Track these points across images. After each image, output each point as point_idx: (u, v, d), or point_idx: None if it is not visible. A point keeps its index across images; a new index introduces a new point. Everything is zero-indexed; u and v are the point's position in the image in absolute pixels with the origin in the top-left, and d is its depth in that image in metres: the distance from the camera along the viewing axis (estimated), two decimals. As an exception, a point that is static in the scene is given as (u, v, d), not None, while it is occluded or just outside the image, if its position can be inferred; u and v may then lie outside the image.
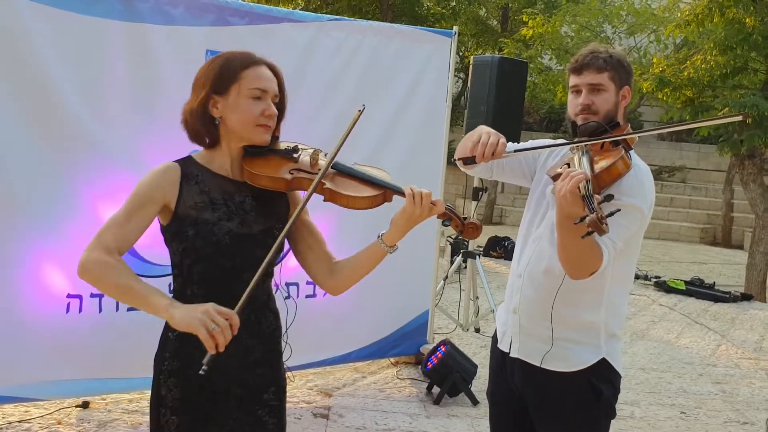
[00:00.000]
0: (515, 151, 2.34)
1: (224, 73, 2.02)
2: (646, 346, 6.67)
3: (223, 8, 4.10)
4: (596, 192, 2.01)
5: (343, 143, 2.04)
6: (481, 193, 6.56)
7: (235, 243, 2.00)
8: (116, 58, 3.76)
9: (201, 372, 1.82)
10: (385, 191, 2.08)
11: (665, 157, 18.41)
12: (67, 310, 3.76)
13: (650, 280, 9.57)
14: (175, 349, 2.04)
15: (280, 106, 2.11)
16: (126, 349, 3.79)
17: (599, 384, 2.30)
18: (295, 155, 2.11)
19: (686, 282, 9.21)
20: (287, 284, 4.59)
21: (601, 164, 2.11)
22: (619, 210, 1.95)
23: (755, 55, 9.83)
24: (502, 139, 2.26)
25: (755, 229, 10.12)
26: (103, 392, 4.09)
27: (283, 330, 2.28)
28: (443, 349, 5.00)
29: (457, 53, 13.05)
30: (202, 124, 2.04)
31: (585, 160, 2.12)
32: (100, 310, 3.86)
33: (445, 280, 6.77)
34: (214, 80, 2.02)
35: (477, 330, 6.69)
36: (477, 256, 6.72)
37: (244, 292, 1.90)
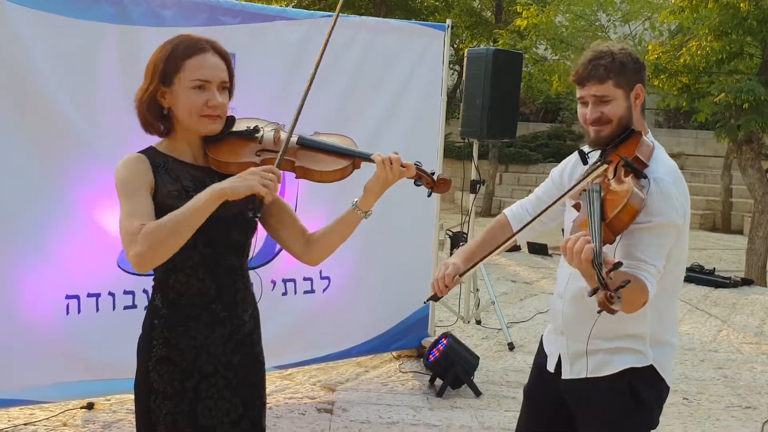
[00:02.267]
0: (464, 273, 2.31)
1: (169, 64, 2.03)
2: (647, 334, 6.68)
3: (215, 8, 4.11)
4: (613, 238, 1.99)
5: (298, 117, 2.06)
6: (478, 185, 6.57)
7: (211, 227, 2.01)
8: (110, 61, 3.78)
9: (257, 216, 1.97)
10: (354, 159, 2.12)
11: (663, 144, 17.63)
12: (67, 312, 3.78)
13: (650, 267, 9.56)
14: (164, 337, 2.08)
15: (230, 89, 2.12)
16: (127, 348, 3.78)
17: (641, 389, 2.26)
18: (257, 135, 2.12)
19: (686, 269, 9.21)
20: (284, 280, 4.61)
21: (614, 209, 1.99)
22: (629, 281, 1.83)
23: (750, 40, 9.82)
24: (450, 267, 2.30)
25: (754, 214, 10.13)
26: (108, 393, 4.12)
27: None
28: (444, 341, 5.02)
29: (452, 45, 13.06)
30: (152, 115, 2.06)
31: (596, 203, 2.02)
32: (97, 310, 3.87)
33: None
34: (159, 71, 2.03)
35: (478, 322, 6.71)
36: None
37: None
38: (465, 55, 6.30)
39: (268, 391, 4.59)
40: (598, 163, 2.21)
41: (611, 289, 1.79)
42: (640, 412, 2.28)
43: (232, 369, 2.14)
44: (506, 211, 2.58)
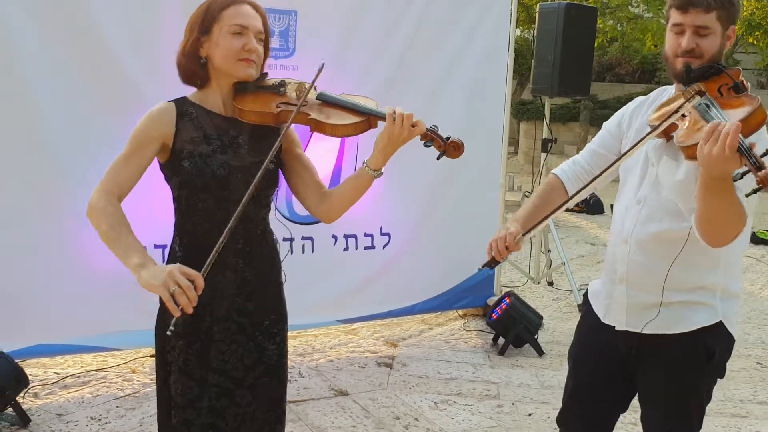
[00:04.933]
0: (525, 234, 2.18)
1: (207, 15, 2.12)
2: (726, 298, 6.46)
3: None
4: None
5: (319, 74, 2.10)
6: (550, 144, 6.45)
7: (228, 174, 2.10)
8: (173, 13, 3.86)
9: (168, 333, 1.91)
10: (369, 117, 2.14)
11: (766, 105, 17.49)
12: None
13: (738, 231, 9.18)
14: None
15: (265, 44, 2.18)
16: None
17: (713, 345, 2.19)
18: (282, 89, 2.18)
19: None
20: (345, 236, 4.67)
21: (738, 114, 1.87)
22: None
23: None
24: (511, 230, 2.17)
25: None
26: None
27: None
28: (507, 300, 5.01)
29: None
30: (192, 65, 2.14)
31: (715, 111, 1.91)
32: (164, 260, 4.00)
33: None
34: (199, 22, 2.12)
35: (550, 283, 6.63)
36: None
37: (223, 232, 1.97)
38: (537, 9, 6.15)
39: (331, 344, 4.79)
40: (698, 85, 2.05)
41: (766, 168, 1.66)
42: (711, 366, 2.22)
43: (246, 315, 2.19)
44: (556, 171, 2.47)
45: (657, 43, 13.28)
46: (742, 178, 1.70)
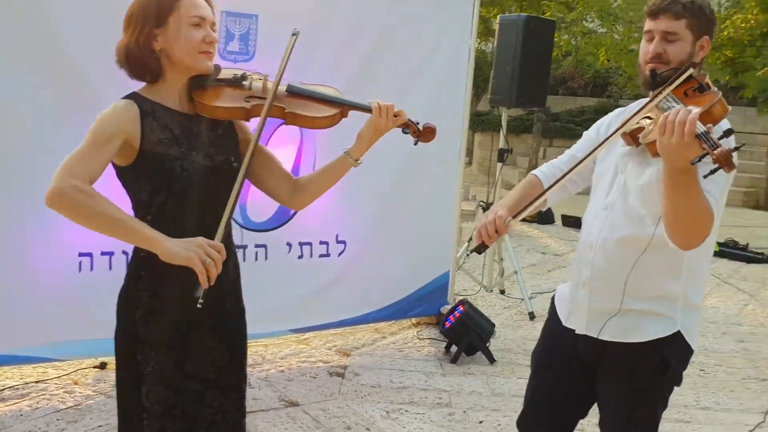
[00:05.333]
0: (513, 217, 2.21)
1: (162, 5, 2.04)
2: (672, 308, 6.61)
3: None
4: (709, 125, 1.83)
5: (285, 66, 2.07)
6: (506, 154, 6.53)
7: (203, 176, 2.07)
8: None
9: (198, 305, 1.90)
10: (343, 108, 2.18)
11: (711, 120, 17.96)
12: (80, 269, 3.83)
13: (684, 243, 9.41)
14: (151, 288, 2.10)
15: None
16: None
17: (669, 356, 2.22)
18: (245, 83, 2.16)
19: (720, 243, 9.02)
20: (300, 244, 4.66)
21: (698, 109, 1.86)
22: (744, 144, 1.78)
23: (799, 13, 9.53)
24: (499, 213, 2.19)
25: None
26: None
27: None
28: (461, 308, 5.05)
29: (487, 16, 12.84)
30: (145, 59, 2.05)
31: (675, 105, 1.95)
32: (110, 268, 3.92)
33: (469, 241, 6.79)
34: (153, 14, 2.04)
35: (502, 291, 6.70)
36: (501, 219, 6.69)
37: (220, 223, 1.98)
38: (497, 21, 6.24)
39: (282, 354, 4.76)
40: (665, 86, 2.10)
41: (728, 148, 1.69)
42: (667, 375, 2.26)
43: (216, 316, 2.17)
44: (535, 172, 2.51)
45: (610, 57, 13.54)
46: (700, 160, 1.74)
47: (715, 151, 1.68)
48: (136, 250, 2.13)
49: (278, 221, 4.58)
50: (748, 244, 9.20)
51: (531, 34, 6.00)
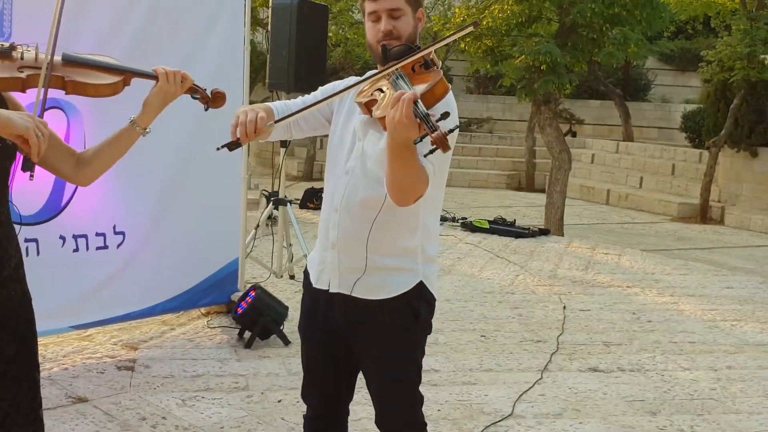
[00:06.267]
0: (281, 119, 2.26)
1: None
2: (451, 280, 7.02)
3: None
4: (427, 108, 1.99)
5: (56, 32, 2.00)
6: (288, 142, 6.56)
7: None
8: None
9: (31, 175, 1.90)
10: (126, 75, 2.11)
11: (473, 109, 19.22)
12: None
13: (457, 222, 10.02)
14: None
15: None
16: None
17: (417, 304, 2.36)
18: (15, 53, 2.04)
19: (490, 221, 9.72)
20: (74, 236, 4.39)
21: (423, 87, 2.07)
22: (459, 126, 1.96)
23: (548, 5, 10.42)
24: (262, 113, 2.19)
25: (552, 170, 10.86)
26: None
27: None
28: (252, 293, 5.00)
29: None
30: None
31: (403, 84, 2.10)
32: None
33: (256, 229, 6.74)
34: None
35: (291, 277, 6.74)
36: (288, 203, 6.74)
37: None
38: (270, 5, 6.23)
39: (63, 352, 4.46)
40: (397, 62, 2.23)
41: (442, 130, 1.85)
42: (419, 324, 2.41)
43: (1, 305, 2.05)
44: (270, 104, 2.51)
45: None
46: (421, 141, 1.92)
47: (432, 134, 1.87)
48: None
49: (48, 213, 4.28)
50: (515, 220, 9.97)
51: (305, 18, 6.03)
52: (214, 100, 2.23)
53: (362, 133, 2.36)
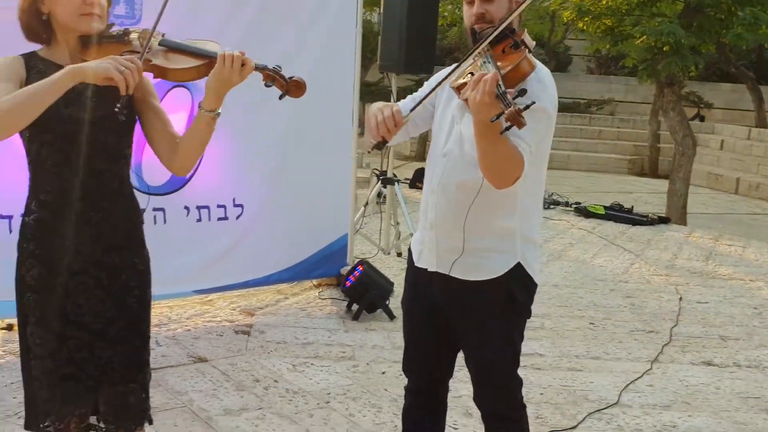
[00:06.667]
0: (412, 109, 2.31)
1: None
2: (561, 266, 6.93)
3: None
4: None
5: (159, 19, 2.09)
6: (401, 120, 6.60)
7: (74, 128, 2.09)
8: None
9: (116, 110, 1.96)
10: (210, 60, 2.11)
11: (594, 90, 18.72)
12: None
13: (571, 207, 9.83)
14: (33, 233, 2.15)
15: None
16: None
17: (515, 288, 2.37)
18: (126, 38, 2.17)
19: (606, 207, 9.48)
20: (198, 207, 4.64)
21: (507, 66, 2.10)
22: (534, 102, 1.96)
23: (674, -18, 10.02)
24: (395, 107, 2.26)
25: (675, 155, 10.47)
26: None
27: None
28: (360, 268, 5.14)
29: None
30: (33, 23, 2.12)
31: (489, 66, 2.12)
32: (10, 231, 3.83)
33: (365, 206, 6.87)
34: None
35: (399, 254, 6.83)
36: (396, 183, 6.83)
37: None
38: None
39: (187, 315, 4.75)
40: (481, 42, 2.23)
41: (518, 107, 1.87)
42: (516, 308, 2.42)
43: (103, 269, 2.18)
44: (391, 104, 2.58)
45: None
46: (497, 118, 1.91)
47: (507, 110, 1.87)
48: (27, 201, 2.18)
49: (174, 185, 4.54)
50: (633, 207, 9.69)
51: (416, 1, 6.05)
52: (292, 89, 2.14)
53: (459, 116, 2.38)
